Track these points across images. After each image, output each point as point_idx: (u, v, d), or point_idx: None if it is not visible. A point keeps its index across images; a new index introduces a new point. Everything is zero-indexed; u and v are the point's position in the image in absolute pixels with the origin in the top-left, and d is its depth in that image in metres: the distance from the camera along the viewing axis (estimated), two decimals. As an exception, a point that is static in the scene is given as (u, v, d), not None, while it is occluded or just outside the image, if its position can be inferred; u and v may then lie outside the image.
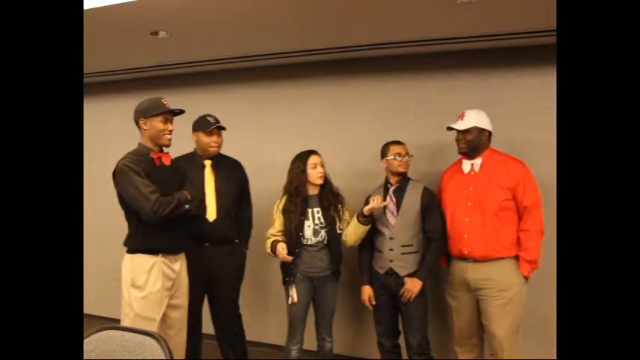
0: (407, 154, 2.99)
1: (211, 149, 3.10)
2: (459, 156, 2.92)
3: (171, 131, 2.70)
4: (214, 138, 3.09)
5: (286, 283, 3.00)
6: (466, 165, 2.85)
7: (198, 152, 3.15)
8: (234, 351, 3.23)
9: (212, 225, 3.06)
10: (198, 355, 3.22)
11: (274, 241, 2.96)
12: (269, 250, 2.99)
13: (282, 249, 2.89)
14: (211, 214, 3.06)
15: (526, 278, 2.73)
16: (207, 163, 3.13)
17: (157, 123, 2.66)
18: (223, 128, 3.13)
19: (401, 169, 2.98)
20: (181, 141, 2.81)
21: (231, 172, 3.22)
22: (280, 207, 3.03)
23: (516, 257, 2.74)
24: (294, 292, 2.96)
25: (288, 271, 2.99)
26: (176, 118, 2.74)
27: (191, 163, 3.09)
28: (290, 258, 2.89)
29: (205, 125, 3.07)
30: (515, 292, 2.71)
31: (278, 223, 3.01)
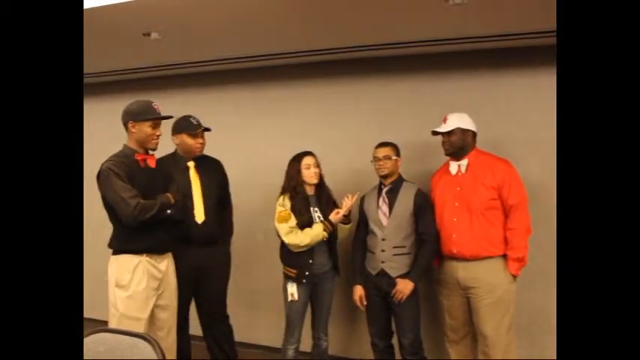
0: (384, 157, 2.97)
1: (196, 151, 3.07)
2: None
3: (158, 136, 2.69)
4: (199, 140, 3.05)
5: (299, 279, 2.95)
6: (453, 166, 2.90)
7: (180, 153, 3.10)
8: (223, 351, 3.22)
9: (201, 226, 3.03)
10: (187, 356, 3.19)
11: (323, 221, 2.95)
12: (306, 241, 2.91)
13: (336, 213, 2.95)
14: (199, 215, 3.03)
15: (514, 277, 2.77)
16: (191, 164, 3.08)
17: (147, 127, 2.65)
18: (208, 130, 3.10)
19: (379, 173, 3.00)
20: (163, 141, 2.80)
21: (214, 173, 3.19)
22: (287, 205, 2.98)
23: (505, 256, 2.77)
24: (294, 290, 2.96)
25: (303, 268, 2.95)
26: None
27: (173, 164, 3.03)
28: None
29: (191, 127, 3.02)
30: (503, 290, 2.75)
31: (294, 217, 2.96)
